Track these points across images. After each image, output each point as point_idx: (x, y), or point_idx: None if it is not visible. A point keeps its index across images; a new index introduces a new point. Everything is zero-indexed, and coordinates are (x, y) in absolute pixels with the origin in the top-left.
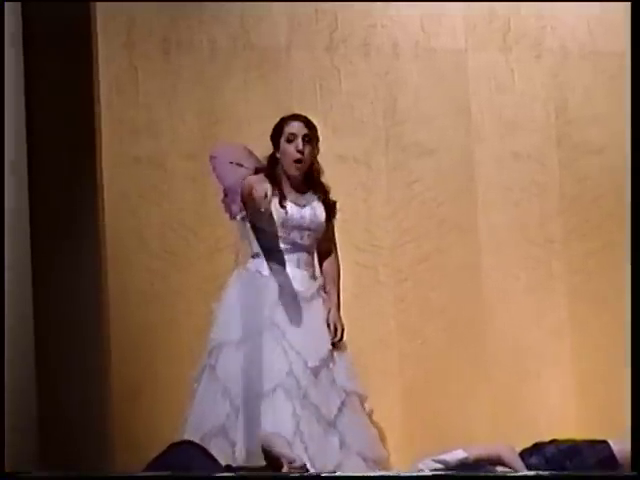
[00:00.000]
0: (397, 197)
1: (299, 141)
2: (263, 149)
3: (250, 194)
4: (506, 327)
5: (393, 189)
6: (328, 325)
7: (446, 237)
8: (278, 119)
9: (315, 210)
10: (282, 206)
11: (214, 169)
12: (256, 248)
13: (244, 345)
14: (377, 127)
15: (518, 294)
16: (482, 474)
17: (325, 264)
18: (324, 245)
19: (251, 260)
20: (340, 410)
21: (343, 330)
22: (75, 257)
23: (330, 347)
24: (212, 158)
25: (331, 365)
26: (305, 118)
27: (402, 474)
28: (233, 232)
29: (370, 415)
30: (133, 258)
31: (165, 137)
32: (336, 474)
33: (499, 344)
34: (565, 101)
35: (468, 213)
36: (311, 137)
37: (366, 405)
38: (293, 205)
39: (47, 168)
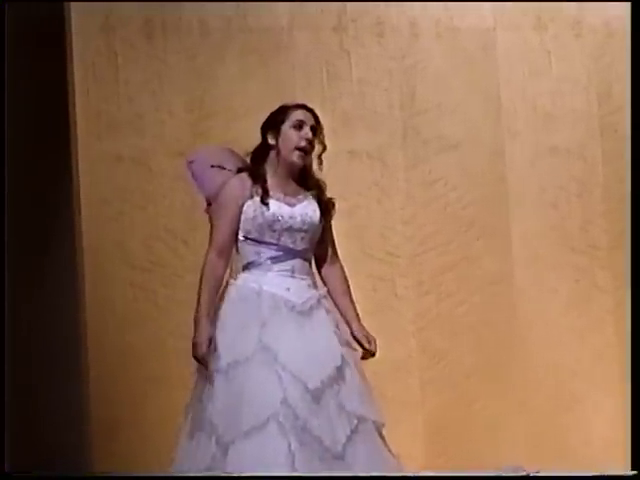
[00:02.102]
0: (417, 198)
1: (307, 129)
2: None
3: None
4: (544, 347)
5: (412, 189)
6: (356, 340)
7: (473, 244)
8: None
9: (307, 209)
10: (264, 203)
11: (193, 176)
12: (245, 259)
13: (232, 373)
14: (393, 118)
15: (557, 309)
16: (484, 474)
17: (326, 273)
18: (321, 250)
19: (241, 273)
20: (350, 439)
21: (375, 341)
22: (49, 270)
23: (338, 364)
24: (189, 163)
25: (336, 386)
26: (313, 110)
27: (404, 474)
28: None
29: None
30: (114, 270)
31: (150, 133)
32: (336, 474)
33: (536, 367)
34: (609, 87)
35: (499, 216)
36: (317, 132)
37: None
38: (282, 205)
39: (16, 169)
